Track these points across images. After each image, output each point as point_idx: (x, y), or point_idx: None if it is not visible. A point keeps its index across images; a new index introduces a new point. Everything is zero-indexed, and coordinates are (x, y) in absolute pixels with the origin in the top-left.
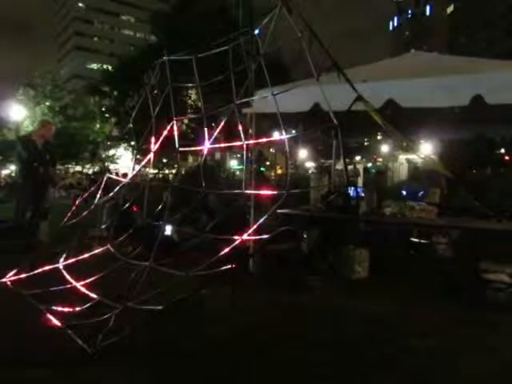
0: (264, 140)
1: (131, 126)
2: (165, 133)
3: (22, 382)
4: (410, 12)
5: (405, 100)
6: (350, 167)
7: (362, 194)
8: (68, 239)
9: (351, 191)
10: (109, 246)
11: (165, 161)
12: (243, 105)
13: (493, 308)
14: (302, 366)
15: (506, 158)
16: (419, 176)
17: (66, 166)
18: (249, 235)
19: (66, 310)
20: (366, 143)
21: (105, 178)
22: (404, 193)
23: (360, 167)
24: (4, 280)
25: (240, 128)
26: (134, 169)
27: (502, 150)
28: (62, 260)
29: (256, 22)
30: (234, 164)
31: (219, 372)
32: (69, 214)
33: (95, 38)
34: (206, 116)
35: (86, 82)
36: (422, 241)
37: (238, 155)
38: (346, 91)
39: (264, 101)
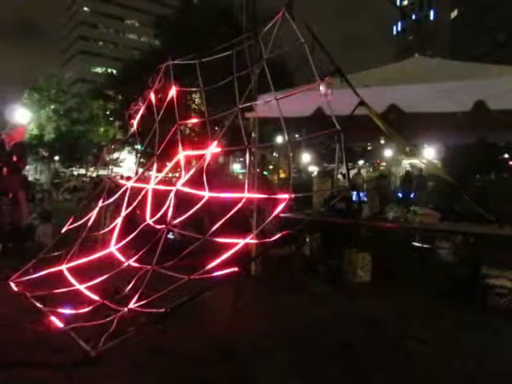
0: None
1: (135, 129)
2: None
3: (24, 383)
4: (413, 17)
5: (408, 105)
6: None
7: (365, 199)
8: (71, 242)
9: (354, 195)
10: (112, 248)
11: (168, 164)
12: (246, 109)
13: (494, 313)
14: (303, 368)
15: (511, 163)
16: (410, 180)
17: (70, 168)
18: (251, 239)
19: (69, 311)
20: (369, 147)
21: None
22: (400, 195)
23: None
24: (8, 281)
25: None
26: (137, 172)
27: (506, 155)
28: (65, 262)
29: (259, 27)
30: (237, 168)
31: (220, 374)
32: (71, 219)
33: (100, 42)
34: (210, 120)
35: (90, 85)
36: (425, 245)
37: (241, 159)
38: (349, 96)
39: (267, 105)
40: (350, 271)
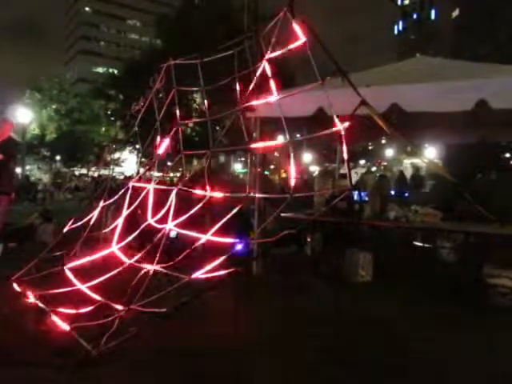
0: (267, 144)
1: (136, 129)
2: (169, 136)
3: (26, 382)
4: (415, 16)
5: (409, 104)
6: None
7: (366, 198)
8: (73, 241)
9: (355, 195)
10: (114, 248)
11: (169, 164)
12: (247, 109)
13: (495, 312)
14: (304, 368)
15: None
16: (404, 179)
17: (72, 168)
18: (252, 239)
19: (71, 311)
20: (370, 147)
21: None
22: (392, 193)
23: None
24: (10, 281)
25: (244, 132)
26: (138, 172)
27: (507, 155)
28: (66, 262)
29: (261, 26)
30: (238, 167)
31: (221, 374)
32: (73, 218)
33: (101, 42)
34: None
35: (91, 85)
36: (426, 245)
37: (243, 159)
38: (350, 95)
39: (268, 105)
40: (351, 271)
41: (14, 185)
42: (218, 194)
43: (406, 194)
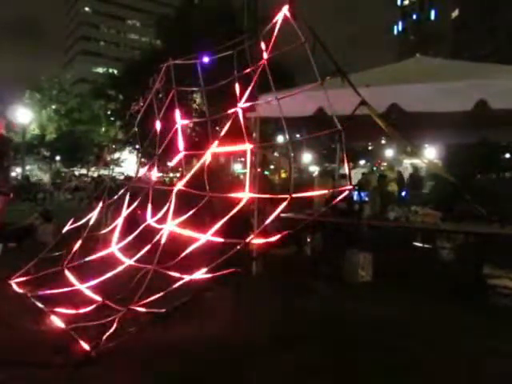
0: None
1: (136, 129)
2: (169, 136)
3: (26, 382)
4: (414, 16)
5: (409, 104)
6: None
7: (366, 198)
8: (72, 241)
9: (355, 195)
10: (114, 248)
11: (169, 164)
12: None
13: (495, 312)
14: (303, 368)
15: None
16: (402, 179)
17: (72, 168)
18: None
19: (70, 311)
20: (370, 147)
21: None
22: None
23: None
24: (9, 281)
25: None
26: (138, 172)
27: (507, 155)
28: (66, 262)
29: (260, 26)
30: (238, 168)
31: (220, 374)
32: (73, 219)
33: (101, 43)
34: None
35: (91, 85)
36: (426, 245)
37: (242, 159)
38: (350, 96)
39: (268, 105)
40: (351, 271)
41: (11, 185)
42: (217, 195)
43: (403, 194)
